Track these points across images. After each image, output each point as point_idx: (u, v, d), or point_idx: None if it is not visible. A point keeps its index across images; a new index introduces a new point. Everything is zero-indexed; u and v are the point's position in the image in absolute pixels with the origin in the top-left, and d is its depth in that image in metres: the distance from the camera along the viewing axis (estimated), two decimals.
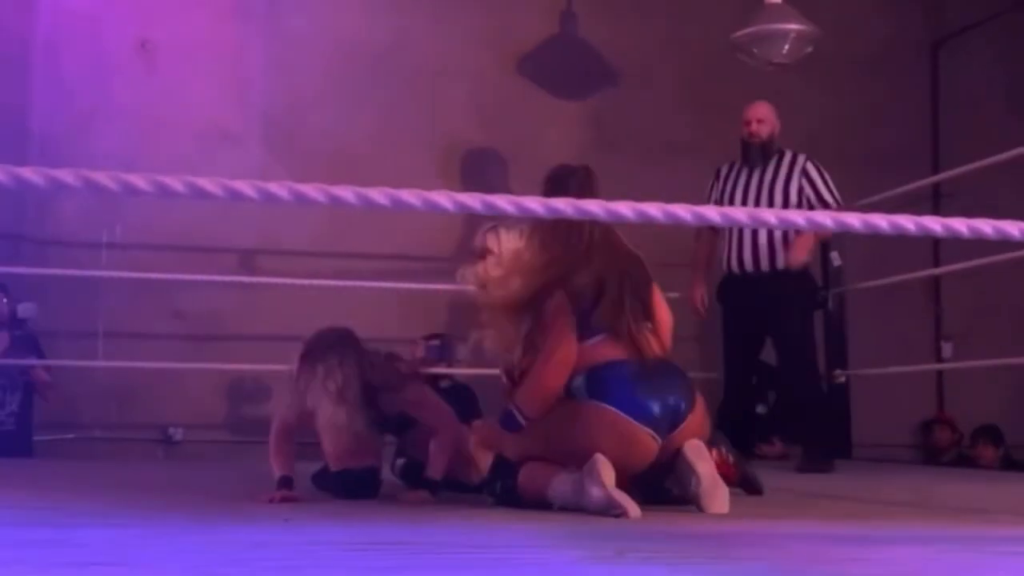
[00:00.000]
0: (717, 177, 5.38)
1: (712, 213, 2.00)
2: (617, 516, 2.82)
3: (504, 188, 6.22)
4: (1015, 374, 6.59)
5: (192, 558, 1.98)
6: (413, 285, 6.08)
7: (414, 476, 3.61)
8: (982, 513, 3.28)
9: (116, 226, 6.12)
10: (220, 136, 6.36)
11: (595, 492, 2.87)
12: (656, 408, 3.05)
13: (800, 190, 5.16)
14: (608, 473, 2.88)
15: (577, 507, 2.93)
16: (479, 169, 6.66)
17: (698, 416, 3.16)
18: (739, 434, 4.47)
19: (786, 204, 5.12)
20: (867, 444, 6.46)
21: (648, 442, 3.05)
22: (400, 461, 3.80)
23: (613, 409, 3.03)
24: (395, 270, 6.43)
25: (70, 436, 5.79)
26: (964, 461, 6.51)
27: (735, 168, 5.32)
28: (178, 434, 6.18)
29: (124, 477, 4.31)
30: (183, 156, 6.12)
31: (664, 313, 3.35)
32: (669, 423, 3.08)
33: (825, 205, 5.11)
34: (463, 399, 6.13)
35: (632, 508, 2.84)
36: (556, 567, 1.92)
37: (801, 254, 5.12)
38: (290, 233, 6.28)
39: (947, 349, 7.07)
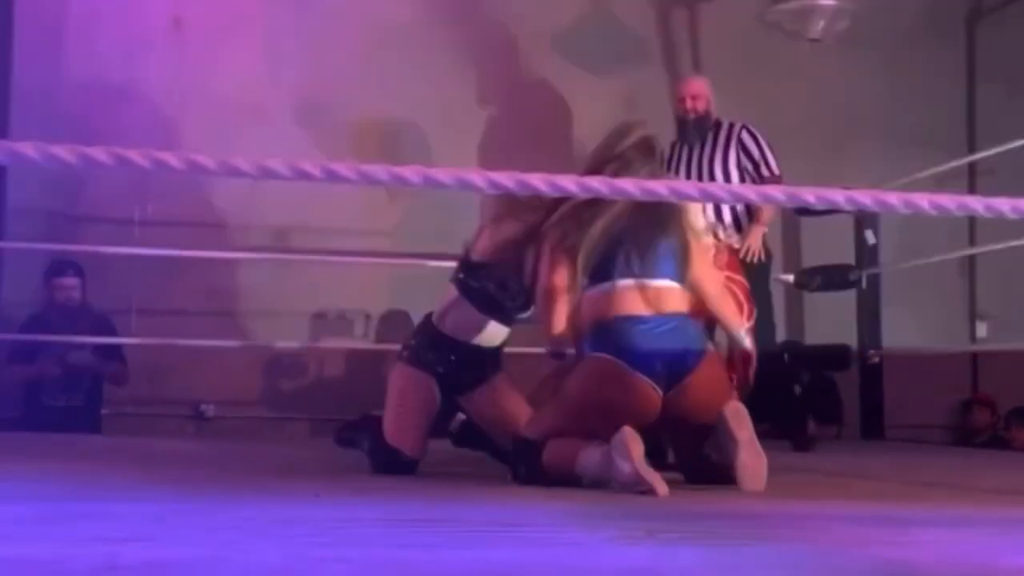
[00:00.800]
0: (661, 161, 5.34)
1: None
2: (643, 493, 2.81)
3: (537, 166, 6.19)
4: None
5: (222, 534, 1.99)
6: (447, 263, 6.07)
7: (470, 440, 3.63)
8: (1016, 495, 3.25)
9: (148, 203, 6.14)
10: (251, 112, 6.36)
11: (624, 467, 2.86)
12: (655, 359, 3.04)
13: (738, 162, 5.11)
14: (636, 447, 2.87)
15: (606, 481, 2.93)
16: (511, 147, 6.62)
17: (708, 372, 3.12)
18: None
19: (727, 179, 5.06)
20: (899, 425, 6.41)
21: (648, 391, 3.04)
22: (457, 422, 3.70)
23: (608, 357, 3.05)
24: (429, 248, 6.43)
25: (103, 412, 5.83)
26: (999, 443, 6.44)
27: (676, 148, 5.26)
28: (210, 410, 6.22)
29: (155, 452, 4.34)
30: (215, 132, 6.13)
31: (705, 269, 3.27)
32: (669, 376, 3.06)
33: (762, 178, 5.04)
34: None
35: (660, 486, 2.83)
36: (589, 547, 1.92)
37: (755, 248, 5.03)
38: (323, 210, 6.28)
39: (982, 329, 6.99)
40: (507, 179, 1.94)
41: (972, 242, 6.65)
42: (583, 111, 6.72)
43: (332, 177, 1.90)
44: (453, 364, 3.49)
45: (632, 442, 2.87)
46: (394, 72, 6.59)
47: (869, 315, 6.20)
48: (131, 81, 6.29)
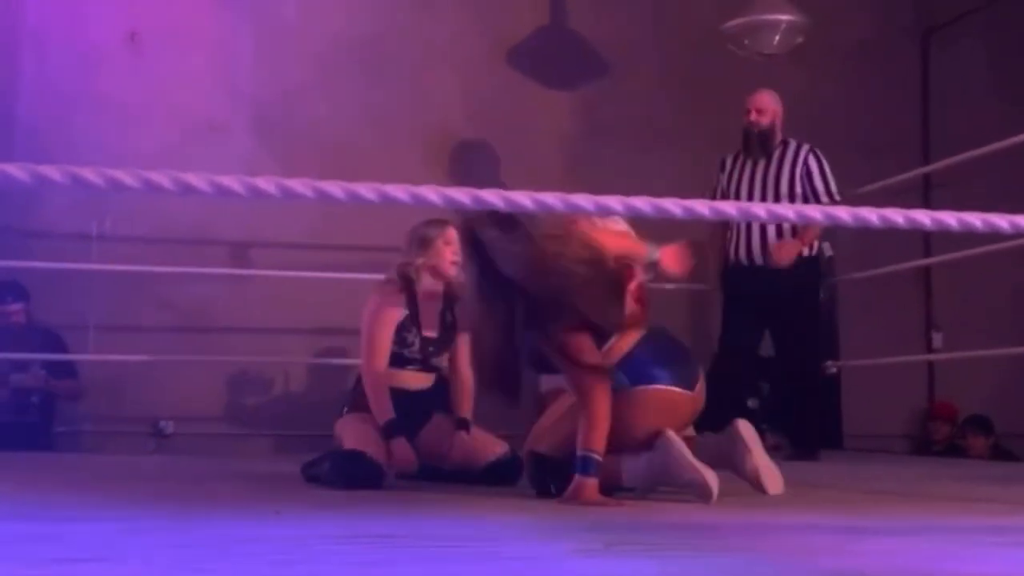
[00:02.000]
0: (722, 168, 5.38)
1: (702, 207, 2.00)
2: (700, 494, 3.00)
3: (494, 180, 6.21)
4: (1005, 364, 6.61)
5: (180, 553, 1.98)
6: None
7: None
8: (970, 502, 3.29)
9: (105, 218, 6.09)
10: (208, 126, 6.34)
11: (685, 474, 3.04)
12: (683, 370, 3.25)
13: (800, 184, 5.18)
14: (687, 451, 3.05)
15: (655, 486, 3.12)
16: (468, 161, 6.65)
17: (702, 385, 3.33)
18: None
19: (792, 198, 5.13)
20: (858, 434, 6.48)
21: (687, 403, 3.24)
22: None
23: (655, 386, 3.19)
24: (385, 262, 6.42)
25: (60, 429, 5.77)
26: (955, 451, 6.52)
27: (738, 160, 5.32)
28: (169, 427, 6.16)
29: (113, 470, 4.30)
30: (171, 146, 6.10)
31: (614, 240, 3.24)
32: (690, 381, 3.27)
33: (819, 199, 5.12)
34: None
35: (714, 486, 3.01)
36: (544, 560, 1.93)
37: (785, 257, 5.13)
38: (280, 225, 6.27)
39: (938, 339, 7.08)
40: (462, 195, 1.95)
41: (927, 253, 6.74)
42: (540, 124, 6.75)
43: (288, 195, 1.90)
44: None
45: (683, 448, 3.05)
46: (350, 86, 6.59)
47: (826, 326, 6.27)
48: (87, 94, 6.25)
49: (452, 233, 3.63)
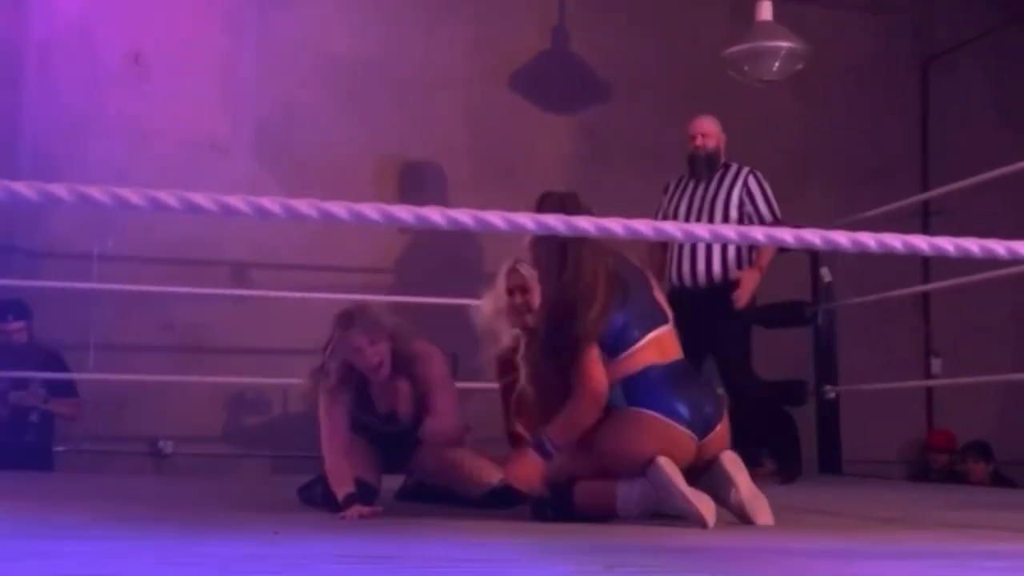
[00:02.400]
0: (665, 191, 5.46)
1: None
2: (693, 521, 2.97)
3: (493, 203, 6.22)
4: (1004, 390, 6.62)
5: (179, 572, 1.98)
6: (404, 299, 6.09)
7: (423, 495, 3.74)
8: (969, 529, 3.29)
9: (107, 238, 6.11)
10: (211, 146, 6.37)
11: (678, 503, 3.01)
12: (689, 412, 3.16)
13: (740, 204, 5.24)
14: (680, 478, 3.02)
15: (648, 513, 3.08)
16: (470, 183, 6.67)
17: (725, 426, 3.26)
18: None
19: (726, 218, 5.19)
20: (857, 460, 6.46)
21: (687, 442, 3.15)
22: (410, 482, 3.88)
23: (653, 413, 3.13)
24: (386, 283, 6.45)
25: (59, 448, 5.77)
26: (954, 477, 6.52)
27: (682, 182, 5.40)
28: (168, 447, 6.16)
29: (112, 490, 4.30)
30: (174, 166, 6.13)
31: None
32: (701, 428, 3.18)
33: (762, 220, 5.18)
34: None
35: (709, 514, 2.98)
36: None
37: (746, 294, 5.17)
38: (281, 245, 6.28)
39: (936, 365, 7.09)
40: (465, 216, 1.97)
41: (926, 279, 6.75)
42: (541, 148, 6.78)
43: (293, 215, 1.92)
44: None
45: (676, 474, 3.01)
46: (353, 107, 6.63)
47: (825, 351, 6.27)
48: (91, 114, 6.28)
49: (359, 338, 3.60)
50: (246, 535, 2.69)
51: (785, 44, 5.82)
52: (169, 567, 2.04)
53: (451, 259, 6.50)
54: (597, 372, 3.13)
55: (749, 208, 5.24)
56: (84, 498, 3.76)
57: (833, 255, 6.04)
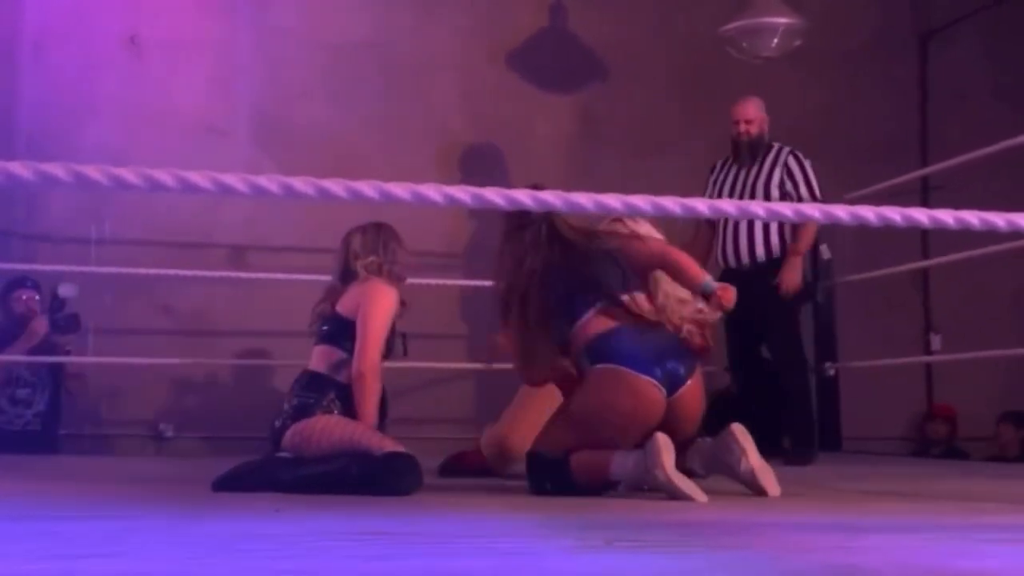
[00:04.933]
0: (711, 173, 5.43)
1: (701, 205, 2.01)
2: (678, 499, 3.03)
3: (494, 182, 6.21)
4: (1003, 366, 6.62)
5: (181, 549, 1.99)
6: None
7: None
8: (969, 501, 3.30)
9: (105, 222, 6.11)
10: (208, 131, 6.35)
11: (659, 476, 3.06)
12: (655, 366, 3.23)
13: (781, 184, 5.21)
14: (668, 456, 3.07)
15: (641, 485, 3.13)
16: (469, 164, 6.66)
17: (696, 386, 3.33)
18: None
19: (767, 199, 5.15)
20: (856, 436, 6.48)
21: (655, 393, 3.23)
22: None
23: (616, 366, 3.22)
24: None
25: (60, 432, 5.78)
26: (954, 453, 6.53)
27: (726, 165, 5.37)
28: (169, 430, 6.17)
29: (113, 472, 4.31)
30: (172, 150, 6.11)
31: (652, 257, 3.45)
32: (669, 384, 3.25)
33: (801, 199, 5.15)
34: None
35: (697, 494, 3.02)
36: (544, 556, 1.93)
37: (795, 277, 5.16)
38: (279, 228, 6.28)
39: (936, 341, 7.09)
40: (462, 194, 1.96)
41: (925, 255, 6.75)
42: (540, 128, 6.77)
43: (290, 193, 1.91)
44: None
45: (665, 450, 3.06)
46: (350, 89, 6.61)
47: (824, 328, 6.28)
48: (87, 99, 6.27)
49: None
50: (247, 513, 2.69)
51: (783, 20, 5.81)
52: (171, 546, 2.05)
53: (450, 240, 6.50)
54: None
55: (789, 188, 5.21)
56: (85, 480, 3.77)
57: (832, 232, 6.04)
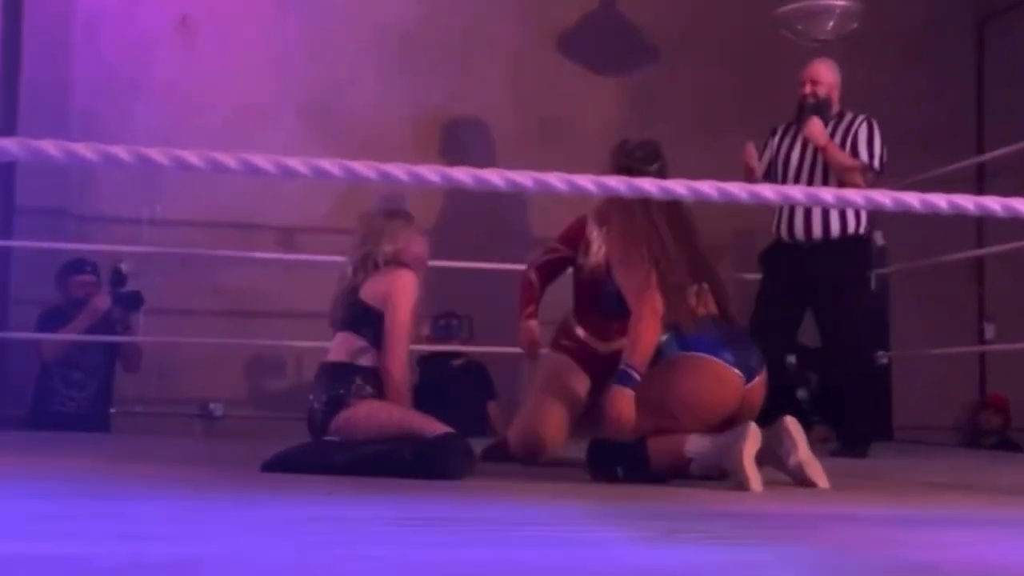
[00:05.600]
0: (772, 134, 5.19)
1: (768, 192, 1.98)
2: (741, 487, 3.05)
3: (540, 166, 6.18)
4: None
5: (241, 532, 1.99)
6: (447, 263, 6.07)
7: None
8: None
9: (156, 203, 6.15)
10: (257, 113, 6.37)
11: (739, 459, 3.09)
12: (736, 357, 3.30)
13: (842, 146, 4.99)
14: (754, 444, 3.11)
15: (713, 470, 3.18)
16: (518, 148, 6.62)
17: (763, 377, 3.38)
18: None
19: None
20: (908, 426, 6.40)
21: (736, 381, 3.27)
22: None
23: (703, 355, 3.27)
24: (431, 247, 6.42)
25: (111, 411, 5.84)
26: (1008, 445, 6.43)
27: (790, 129, 5.12)
28: (218, 410, 6.22)
29: (166, 452, 4.35)
30: (221, 133, 6.13)
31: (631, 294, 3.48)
32: (747, 373, 3.31)
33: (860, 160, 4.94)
34: (477, 377, 6.15)
35: (757, 486, 3.04)
36: (608, 546, 1.92)
37: (817, 132, 4.93)
38: (329, 210, 6.29)
39: (990, 330, 6.98)
40: (495, 177, 1.95)
41: (980, 243, 6.64)
42: (589, 111, 6.72)
43: (352, 176, 1.91)
44: None
45: (752, 438, 3.11)
46: (400, 72, 6.60)
47: (877, 316, 6.19)
48: (138, 80, 6.30)
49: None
50: (300, 496, 2.70)
51: (840, 3, 5.71)
52: (231, 528, 2.05)
53: (496, 223, 6.47)
54: (653, 295, 3.29)
55: (852, 151, 4.99)
56: (142, 459, 3.79)
57: (886, 219, 5.94)
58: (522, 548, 1.86)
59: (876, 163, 4.94)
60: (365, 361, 3.50)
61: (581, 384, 4.02)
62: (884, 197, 2.09)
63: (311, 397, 3.56)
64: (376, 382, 3.48)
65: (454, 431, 3.34)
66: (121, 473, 3.26)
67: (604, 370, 3.78)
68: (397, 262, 3.65)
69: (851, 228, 4.98)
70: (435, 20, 6.66)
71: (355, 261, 3.70)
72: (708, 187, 2.01)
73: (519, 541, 1.95)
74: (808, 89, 5.04)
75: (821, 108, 5.01)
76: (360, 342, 3.53)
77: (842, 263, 4.94)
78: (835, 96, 5.11)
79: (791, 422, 3.26)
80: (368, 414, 3.41)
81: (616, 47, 6.86)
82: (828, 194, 2.32)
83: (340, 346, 3.59)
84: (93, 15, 6.31)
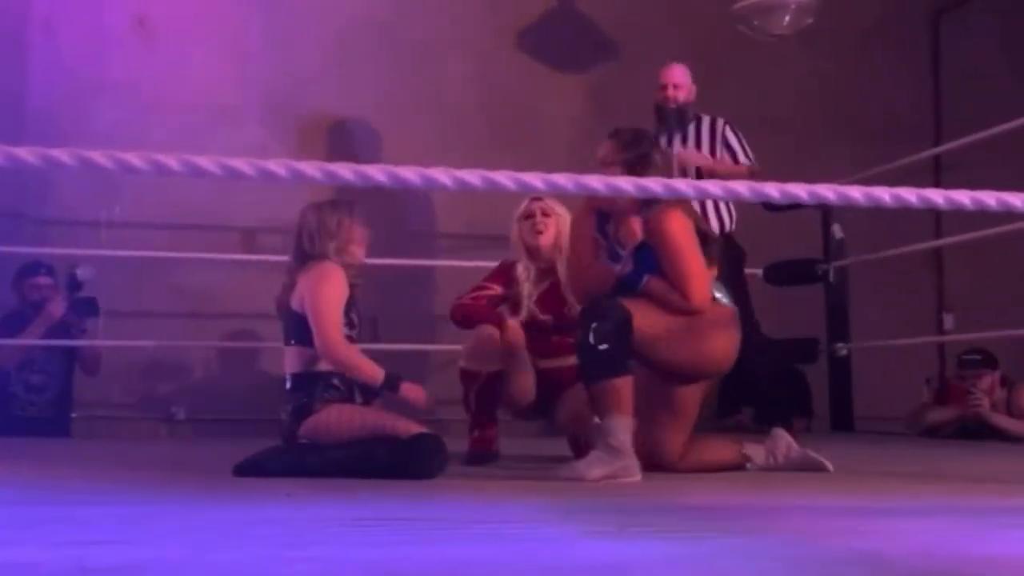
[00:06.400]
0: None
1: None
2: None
3: (503, 163, 6.18)
4: (1016, 346, 6.58)
5: (194, 535, 1.99)
6: (409, 261, 6.06)
7: None
8: (985, 483, 3.29)
9: (115, 205, 6.10)
10: (219, 112, 6.34)
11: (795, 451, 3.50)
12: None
13: (721, 159, 5.13)
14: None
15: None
16: (478, 144, 6.62)
17: None
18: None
19: (698, 177, 5.08)
20: (868, 417, 6.46)
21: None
22: None
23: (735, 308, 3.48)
24: (393, 247, 6.42)
25: (72, 415, 5.79)
26: (966, 434, 6.48)
27: (660, 135, 5.21)
28: (181, 413, 6.19)
29: (126, 455, 4.32)
30: (182, 132, 6.10)
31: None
32: None
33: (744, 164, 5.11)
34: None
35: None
36: (559, 542, 1.92)
37: (696, 159, 5.05)
38: (289, 210, 6.24)
39: (949, 321, 7.06)
40: (473, 177, 1.95)
41: (938, 234, 6.71)
42: (550, 108, 6.73)
43: (298, 177, 1.90)
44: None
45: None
46: (360, 70, 6.58)
47: (837, 308, 6.25)
48: (96, 81, 6.25)
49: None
50: (259, 498, 2.69)
51: None
52: (184, 532, 2.04)
53: (462, 221, 6.48)
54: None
55: (728, 159, 5.13)
56: (99, 464, 3.77)
57: (843, 212, 6.00)
58: (474, 545, 1.87)
59: (754, 161, 5.15)
60: (323, 367, 3.44)
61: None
62: (857, 193, 2.10)
63: (280, 411, 3.51)
64: (341, 382, 3.42)
65: (427, 431, 3.30)
66: (76, 478, 3.24)
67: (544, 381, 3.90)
68: (330, 256, 3.51)
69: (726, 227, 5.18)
70: (397, 17, 6.65)
71: (292, 255, 3.62)
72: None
73: (472, 539, 1.96)
74: (670, 92, 5.13)
75: (683, 115, 5.10)
76: (309, 350, 3.43)
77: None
78: (692, 98, 5.20)
79: (779, 432, 3.58)
80: (339, 418, 3.34)
81: (576, 44, 6.88)
82: (802, 190, 2.31)
83: (292, 359, 3.50)
84: (50, 15, 6.26)
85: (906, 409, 6.18)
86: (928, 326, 7.02)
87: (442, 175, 1.98)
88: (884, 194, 2.06)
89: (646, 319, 3.23)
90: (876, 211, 2.23)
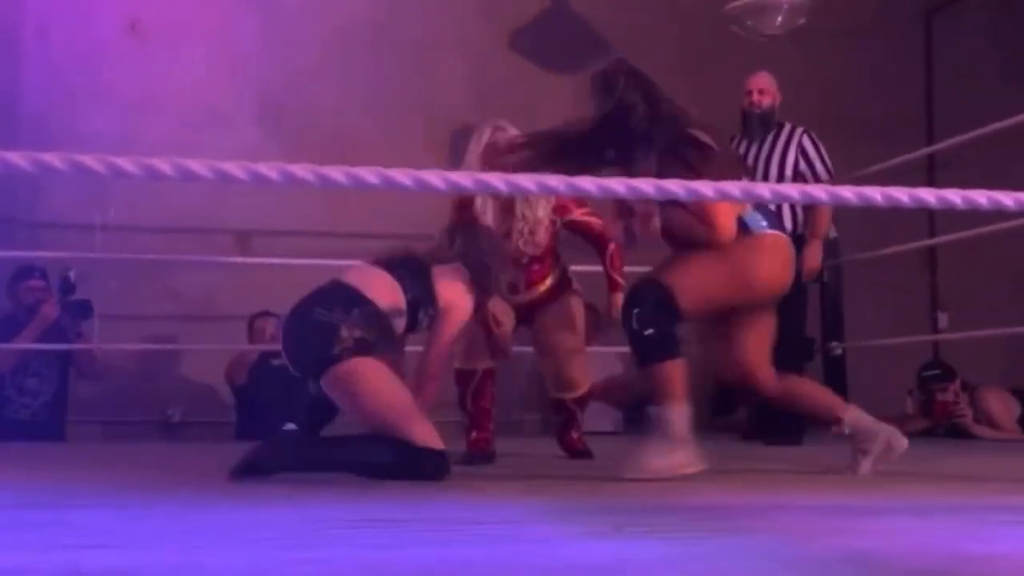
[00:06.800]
0: (730, 141, 5.31)
1: (734, 189, 1.99)
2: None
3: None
4: (1011, 344, 6.60)
5: (189, 538, 1.98)
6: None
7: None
8: (977, 482, 3.29)
9: (109, 208, 6.10)
10: (213, 114, 6.34)
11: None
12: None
13: (795, 164, 5.16)
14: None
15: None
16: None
17: None
18: None
19: (781, 178, 5.11)
20: None
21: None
22: None
23: (772, 232, 3.32)
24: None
25: (68, 419, 5.79)
26: (958, 432, 6.50)
27: (734, 141, 5.27)
28: (176, 415, 6.19)
29: (122, 458, 4.31)
30: (176, 135, 6.10)
31: None
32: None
33: (818, 180, 5.10)
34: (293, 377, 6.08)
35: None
36: (554, 543, 1.92)
37: (816, 261, 5.13)
38: (284, 212, 6.27)
39: (943, 319, 7.07)
40: (466, 179, 1.95)
41: (932, 233, 6.72)
42: (544, 108, 6.72)
43: (291, 180, 1.90)
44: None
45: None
46: (354, 71, 6.58)
47: (832, 308, 6.25)
48: (90, 84, 6.25)
49: None
50: (255, 500, 2.68)
51: None
52: (179, 535, 2.04)
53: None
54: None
55: (804, 168, 5.17)
56: (93, 467, 3.76)
57: (837, 211, 5.99)
58: (473, 546, 1.87)
59: (833, 175, 5.17)
60: (381, 303, 3.44)
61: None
62: (848, 192, 2.11)
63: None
64: (371, 325, 3.34)
65: (440, 448, 3.18)
66: (71, 481, 3.23)
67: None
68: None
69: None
70: (391, 19, 6.67)
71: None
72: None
73: (471, 539, 1.96)
74: (755, 98, 5.17)
75: (766, 119, 5.14)
76: (398, 292, 3.50)
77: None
78: (776, 104, 5.24)
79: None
80: (367, 389, 3.22)
81: (569, 45, 6.88)
82: (794, 191, 2.33)
83: (370, 279, 3.54)
84: (43, 19, 6.26)
85: (898, 410, 6.19)
86: (923, 325, 7.03)
87: (434, 178, 1.98)
88: (876, 194, 2.07)
89: (686, 280, 3.16)
90: (870, 210, 2.24)
